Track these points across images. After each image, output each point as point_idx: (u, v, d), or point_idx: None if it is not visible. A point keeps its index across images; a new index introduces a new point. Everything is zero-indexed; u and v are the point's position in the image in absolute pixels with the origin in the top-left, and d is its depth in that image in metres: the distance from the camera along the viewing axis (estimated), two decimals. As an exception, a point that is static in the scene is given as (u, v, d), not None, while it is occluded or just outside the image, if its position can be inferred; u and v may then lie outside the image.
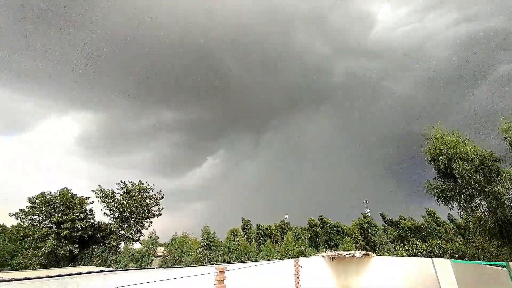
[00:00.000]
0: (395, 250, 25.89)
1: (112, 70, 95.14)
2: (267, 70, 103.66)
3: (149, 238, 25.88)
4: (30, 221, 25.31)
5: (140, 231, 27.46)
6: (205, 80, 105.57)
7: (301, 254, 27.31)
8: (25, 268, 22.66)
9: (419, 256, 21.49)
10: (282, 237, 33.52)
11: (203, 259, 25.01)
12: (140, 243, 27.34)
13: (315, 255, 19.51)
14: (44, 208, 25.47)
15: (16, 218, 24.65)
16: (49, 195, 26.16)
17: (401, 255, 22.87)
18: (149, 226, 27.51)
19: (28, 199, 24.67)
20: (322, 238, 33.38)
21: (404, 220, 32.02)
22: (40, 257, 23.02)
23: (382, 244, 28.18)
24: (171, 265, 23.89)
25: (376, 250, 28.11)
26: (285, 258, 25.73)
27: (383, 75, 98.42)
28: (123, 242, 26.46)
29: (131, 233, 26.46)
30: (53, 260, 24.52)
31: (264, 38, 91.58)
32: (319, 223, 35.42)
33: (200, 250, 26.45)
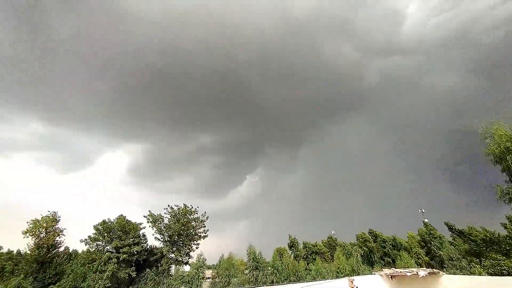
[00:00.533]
0: (470, 267, 22.10)
1: (153, 103, 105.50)
2: (296, 83, 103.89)
3: (197, 260, 26.56)
4: (96, 247, 28.15)
5: (188, 254, 28.40)
6: (237, 101, 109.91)
7: (354, 272, 25.09)
8: (93, 290, 24.96)
9: (504, 275, 17.95)
10: (331, 255, 31.41)
11: (251, 281, 24.58)
12: (189, 265, 28.19)
13: (370, 273, 17.71)
14: (106, 234, 28.20)
15: (85, 244, 27.64)
16: (109, 222, 29.00)
17: (479, 274, 19.36)
18: (197, 248, 28.34)
19: (94, 226, 27.61)
20: (377, 254, 30.32)
21: (477, 230, 27.37)
22: (105, 280, 25.15)
23: (452, 260, 24.34)
24: (221, 288, 24.02)
25: (444, 267, 24.39)
26: (337, 277, 23.89)
27: (422, 70, 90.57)
28: (173, 265, 27.59)
29: (181, 256, 27.51)
30: (116, 283, 26.54)
31: (289, 52, 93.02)
32: (370, 237, 32.42)
33: (247, 271, 26.14)
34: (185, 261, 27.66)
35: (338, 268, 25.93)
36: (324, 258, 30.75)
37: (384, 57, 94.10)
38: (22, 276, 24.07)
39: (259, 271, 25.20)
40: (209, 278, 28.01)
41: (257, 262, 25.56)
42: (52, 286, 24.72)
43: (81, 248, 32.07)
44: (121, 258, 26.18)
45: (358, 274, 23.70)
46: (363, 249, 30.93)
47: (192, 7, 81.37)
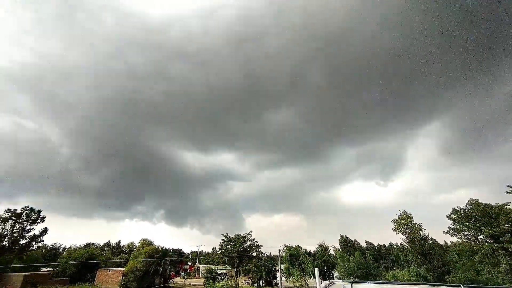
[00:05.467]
0: None
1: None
2: None
3: None
4: (464, 237, 26.20)
5: None
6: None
7: None
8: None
9: None
10: None
11: None
12: None
13: None
14: (467, 223, 25.54)
15: (451, 235, 26.85)
16: (460, 209, 26.38)
17: None
18: None
19: (447, 216, 26.51)
20: None
21: None
22: (507, 274, 21.43)
23: None
24: None
25: None
26: None
27: None
28: None
29: None
30: (525, 279, 21.45)
31: None
32: None
33: None
34: None
35: None
36: None
37: None
38: (415, 266, 28.07)
39: None
40: None
41: None
42: (446, 276, 25.78)
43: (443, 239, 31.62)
44: (510, 249, 21.50)
45: None
46: None
47: None
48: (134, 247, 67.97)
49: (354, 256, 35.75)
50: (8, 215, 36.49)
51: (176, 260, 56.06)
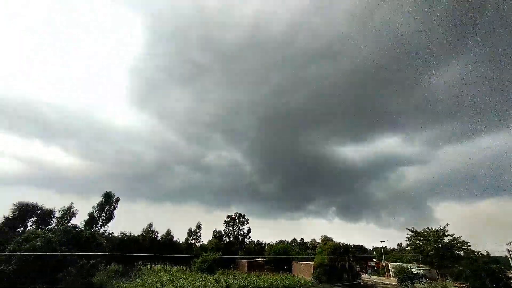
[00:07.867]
0: None
1: None
2: None
3: None
4: None
5: None
6: None
7: None
8: None
9: None
10: None
11: None
12: None
13: None
14: None
15: None
16: None
17: None
18: None
19: None
20: None
21: None
22: None
23: None
24: None
25: None
26: None
27: None
28: None
29: None
30: None
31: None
32: None
33: None
34: None
35: None
36: None
37: None
38: None
39: None
40: None
41: None
42: None
43: None
44: None
45: None
46: None
47: None
48: (317, 244, 73.85)
49: None
50: (228, 219, 52.58)
51: (360, 256, 54.69)
